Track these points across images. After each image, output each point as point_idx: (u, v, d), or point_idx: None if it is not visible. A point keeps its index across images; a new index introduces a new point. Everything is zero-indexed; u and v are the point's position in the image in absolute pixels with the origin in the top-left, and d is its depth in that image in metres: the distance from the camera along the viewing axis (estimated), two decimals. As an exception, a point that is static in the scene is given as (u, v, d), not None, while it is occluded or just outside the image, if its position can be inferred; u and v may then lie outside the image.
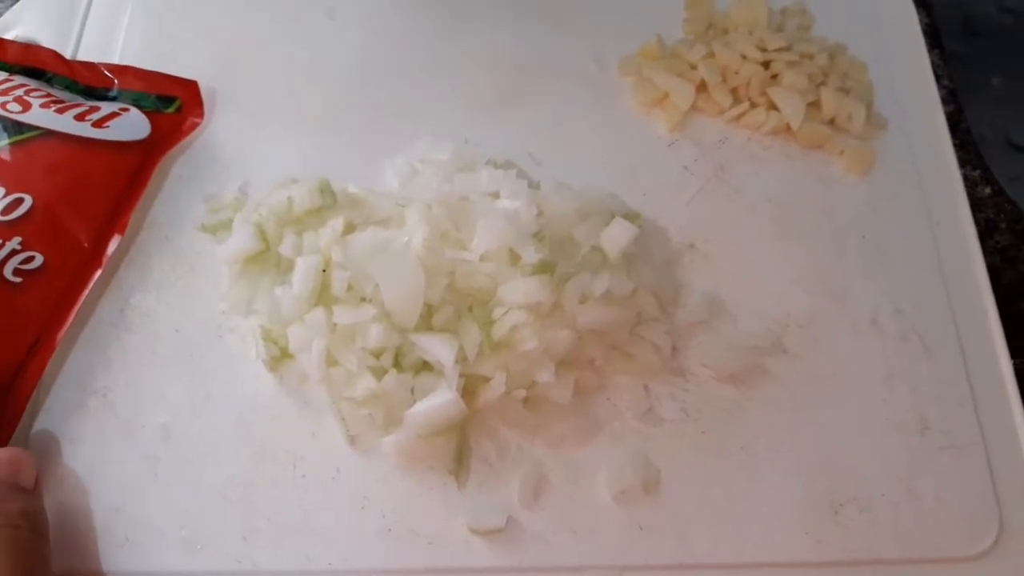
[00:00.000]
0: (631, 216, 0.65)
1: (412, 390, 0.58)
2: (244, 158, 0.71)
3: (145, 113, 0.69)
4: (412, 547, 0.56)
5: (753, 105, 0.73)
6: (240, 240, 0.63)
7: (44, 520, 0.54)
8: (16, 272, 0.60)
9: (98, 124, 0.66)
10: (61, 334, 0.61)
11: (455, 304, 0.59)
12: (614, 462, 0.59)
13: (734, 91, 0.73)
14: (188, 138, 0.71)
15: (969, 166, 0.76)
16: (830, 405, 0.62)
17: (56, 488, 0.58)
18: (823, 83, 0.73)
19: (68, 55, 0.73)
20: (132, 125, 0.68)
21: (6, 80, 0.68)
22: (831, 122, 0.73)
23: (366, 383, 0.57)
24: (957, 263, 0.67)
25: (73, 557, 0.56)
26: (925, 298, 0.66)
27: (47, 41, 0.74)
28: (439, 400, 0.56)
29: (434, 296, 0.58)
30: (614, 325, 0.60)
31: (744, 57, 0.73)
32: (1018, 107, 0.85)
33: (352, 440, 0.59)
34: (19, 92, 0.67)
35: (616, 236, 0.62)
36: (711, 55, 0.74)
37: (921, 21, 0.80)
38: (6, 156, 0.62)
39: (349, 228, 0.63)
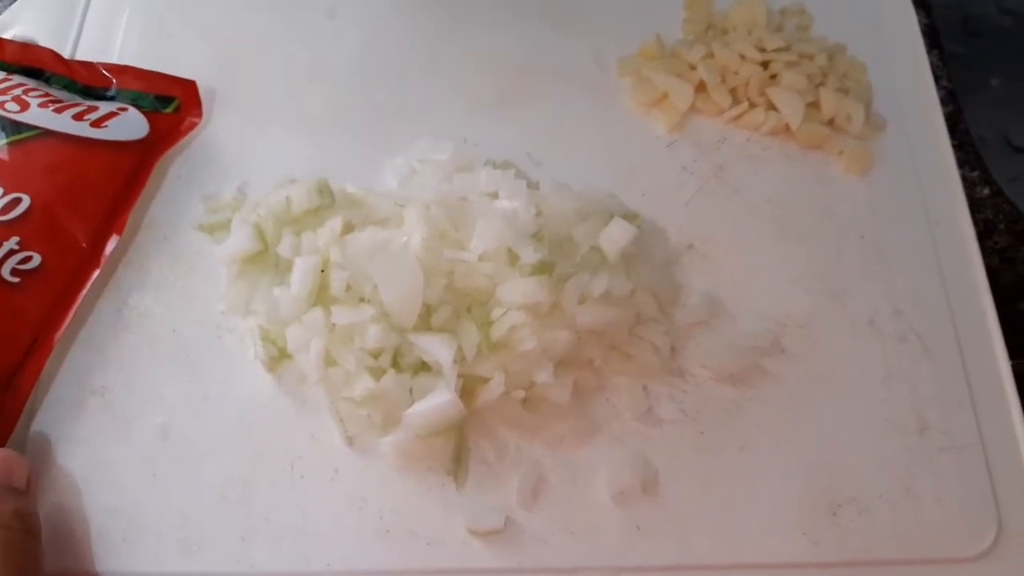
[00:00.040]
0: (630, 216, 0.65)
1: (410, 390, 0.58)
2: (242, 158, 0.70)
3: (143, 113, 0.69)
4: (410, 548, 0.56)
5: (752, 105, 0.73)
6: (238, 240, 0.63)
7: (37, 521, 0.54)
8: (14, 272, 0.60)
9: (96, 124, 0.66)
10: (59, 334, 0.61)
11: (454, 304, 0.59)
12: (613, 462, 0.59)
13: (733, 91, 0.73)
14: (186, 138, 0.71)
15: (968, 167, 0.76)
16: (829, 405, 0.62)
17: (53, 488, 0.58)
18: (822, 83, 0.73)
19: (66, 55, 0.73)
20: (130, 125, 0.68)
21: (4, 79, 0.68)
22: (830, 122, 0.73)
23: (364, 383, 0.57)
24: (956, 264, 0.67)
25: (70, 558, 0.56)
26: (924, 299, 0.66)
27: (45, 40, 0.74)
28: (437, 400, 0.56)
29: (433, 296, 0.58)
30: (613, 325, 0.60)
31: (743, 57, 0.73)
32: (1017, 108, 0.85)
33: (350, 440, 0.59)
34: (17, 91, 0.67)
35: (615, 236, 0.62)
36: (710, 55, 0.74)
37: (920, 22, 0.80)
38: (4, 156, 0.62)
39: (348, 228, 0.63)
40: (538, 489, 0.58)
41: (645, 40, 0.76)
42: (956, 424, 0.61)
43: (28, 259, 0.60)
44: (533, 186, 0.67)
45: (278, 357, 0.61)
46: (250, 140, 0.71)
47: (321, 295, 0.60)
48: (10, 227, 0.60)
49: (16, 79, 0.68)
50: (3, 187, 0.61)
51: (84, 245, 0.63)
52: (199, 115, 0.72)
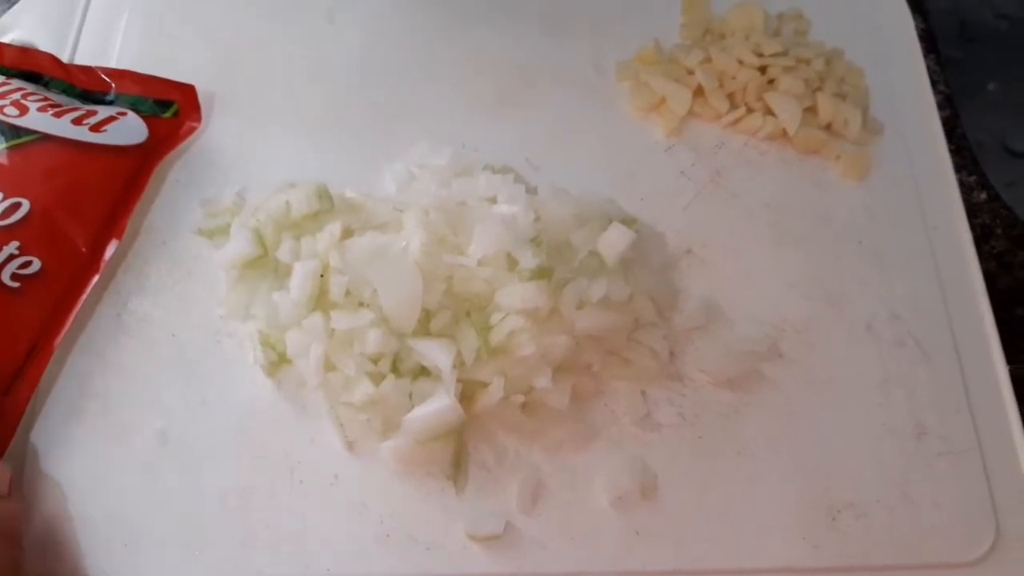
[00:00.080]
0: (628, 221, 0.65)
1: (410, 395, 0.58)
2: (242, 162, 0.71)
3: (142, 117, 0.69)
4: (410, 553, 0.56)
5: (750, 110, 0.73)
6: (238, 245, 0.63)
7: (16, 525, 0.54)
8: (14, 277, 0.60)
9: (95, 128, 0.66)
10: (59, 339, 0.61)
11: (453, 309, 0.59)
12: (612, 467, 0.59)
13: (731, 96, 0.74)
14: (185, 142, 0.71)
15: (965, 171, 0.76)
16: (827, 410, 0.62)
17: (53, 494, 0.58)
18: (819, 88, 0.73)
19: (65, 59, 0.73)
20: (129, 129, 0.68)
21: (3, 84, 0.68)
22: (827, 127, 0.73)
23: (364, 388, 0.58)
24: (953, 268, 0.68)
25: (71, 563, 0.56)
26: (922, 303, 0.66)
27: (44, 45, 0.74)
28: (437, 405, 0.56)
29: (432, 301, 0.58)
30: (611, 330, 0.61)
31: (741, 62, 0.74)
32: (1014, 112, 0.85)
33: (350, 446, 0.59)
34: (16, 96, 0.67)
35: (613, 241, 0.62)
36: (708, 60, 0.74)
37: (917, 26, 0.80)
38: (3, 160, 0.62)
39: (347, 233, 0.63)
40: (537, 494, 0.58)
41: (643, 45, 0.76)
42: (954, 429, 0.62)
43: (28, 264, 0.60)
44: (532, 191, 0.68)
45: (277, 362, 0.61)
46: (249, 144, 0.71)
47: (320, 300, 0.60)
48: (10, 232, 0.60)
49: (15, 83, 0.68)
50: (2, 192, 0.61)
51: (83, 250, 0.63)
52: (198, 119, 0.72)
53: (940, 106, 0.76)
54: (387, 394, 0.57)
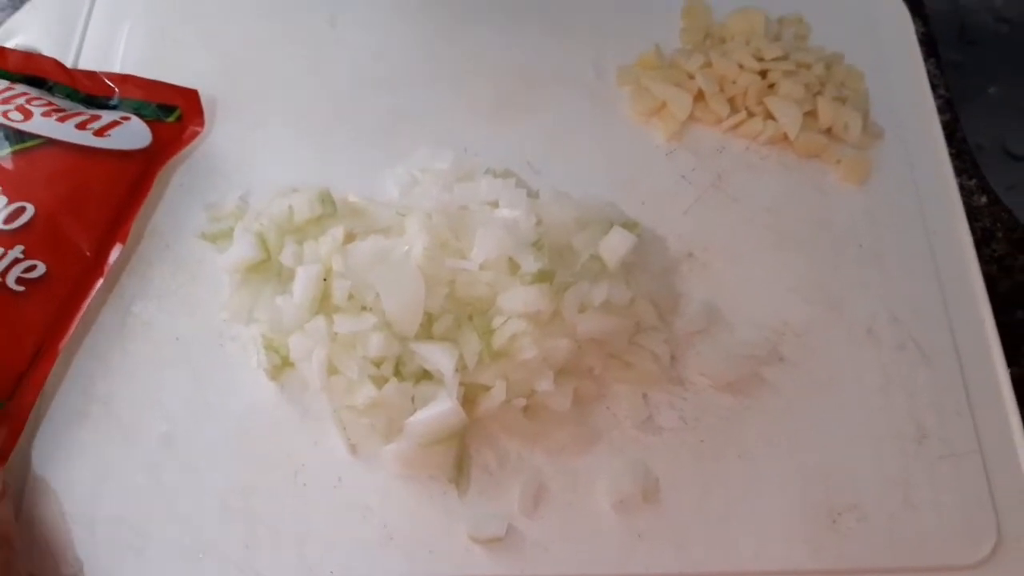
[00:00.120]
0: (629, 225, 0.65)
1: (412, 399, 0.58)
2: (244, 167, 0.71)
3: (146, 122, 0.69)
4: (413, 555, 0.57)
5: (750, 114, 0.73)
6: (241, 249, 0.64)
7: (8, 528, 0.55)
8: (19, 281, 0.60)
9: (99, 133, 0.67)
10: (63, 342, 0.61)
11: (455, 313, 0.60)
12: (613, 470, 0.59)
13: (731, 101, 0.74)
14: (189, 147, 0.71)
15: (965, 175, 0.76)
16: (828, 413, 0.62)
17: (58, 496, 0.58)
18: (820, 92, 0.74)
19: (69, 64, 0.74)
20: (133, 134, 0.68)
21: (7, 89, 0.68)
22: (828, 131, 0.73)
23: (367, 392, 0.58)
24: (954, 272, 0.68)
25: (75, 566, 0.56)
26: (922, 307, 0.66)
27: (48, 50, 0.74)
28: (439, 409, 0.57)
29: (434, 305, 0.59)
30: (613, 334, 0.61)
31: (741, 67, 0.74)
32: (1015, 115, 0.86)
33: (353, 449, 0.59)
34: (21, 101, 0.67)
35: (615, 245, 0.62)
36: (708, 65, 0.75)
37: (917, 30, 0.81)
38: (8, 165, 0.63)
39: (349, 237, 0.63)
40: (539, 497, 0.58)
41: (644, 50, 0.76)
42: (955, 432, 0.62)
43: (32, 268, 0.61)
44: (533, 195, 0.68)
45: (281, 365, 0.61)
46: (252, 148, 0.72)
47: (323, 304, 0.61)
48: (15, 236, 0.61)
49: (19, 88, 0.68)
50: (7, 196, 0.62)
51: (88, 254, 0.63)
52: (201, 124, 0.72)
53: (940, 110, 0.77)
54: (390, 397, 0.58)
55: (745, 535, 0.58)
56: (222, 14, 0.79)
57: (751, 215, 0.70)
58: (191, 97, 0.72)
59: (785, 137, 0.72)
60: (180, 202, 0.69)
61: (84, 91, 0.71)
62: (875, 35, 0.80)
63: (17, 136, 0.64)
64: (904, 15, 0.81)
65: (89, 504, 0.58)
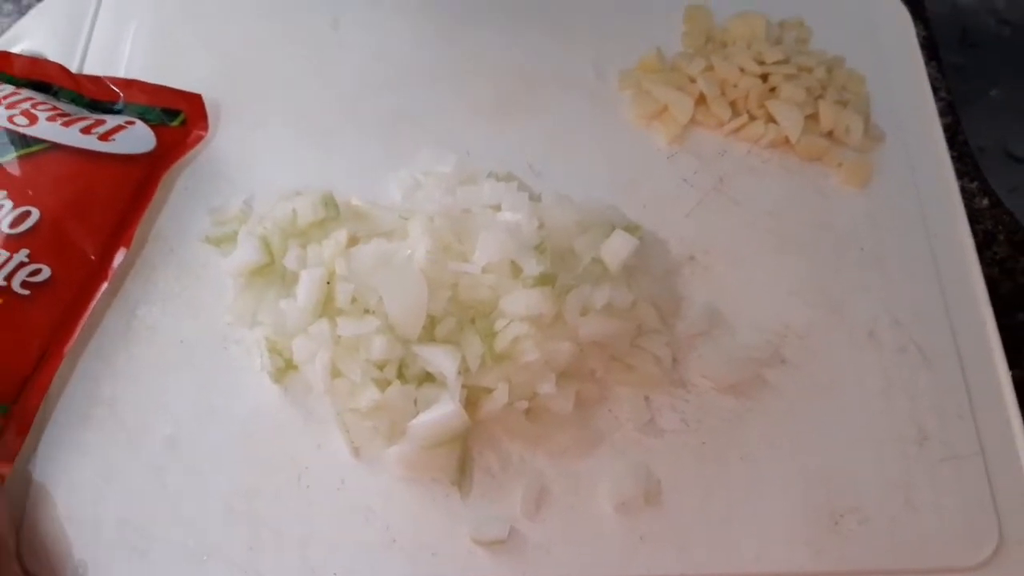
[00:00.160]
0: (631, 228, 0.65)
1: (415, 401, 0.58)
2: (248, 170, 0.71)
3: (150, 126, 0.70)
4: (416, 557, 0.57)
5: (752, 118, 0.74)
6: (245, 253, 0.64)
7: (1, 530, 0.55)
8: (24, 284, 0.60)
9: (104, 137, 0.67)
10: (68, 346, 0.62)
11: (457, 316, 0.60)
12: (615, 473, 0.59)
13: (733, 104, 0.74)
14: (193, 151, 0.72)
15: (967, 178, 0.76)
16: (829, 416, 0.62)
17: (62, 498, 0.58)
18: (821, 96, 0.74)
19: (74, 68, 0.74)
20: (137, 138, 0.69)
21: (13, 93, 0.68)
22: (829, 134, 0.73)
23: (370, 394, 0.58)
24: (955, 274, 0.68)
25: (79, 568, 0.56)
26: (923, 309, 0.66)
27: (53, 55, 0.75)
28: (442, 411, 0.57)
29: (437, 308, 0.59)
30: (615, 337, 0.61)
31: (742, 70, 0.74)
32: (1017, 118, 0.86)
33: (356, 451, 0.60)
34: (26, 106, 0.67)
35: (616, 248, 0.62)
36: (710, 68, 0.75)
37: (919, 34, 0.81)
38: (14, 170, 0.63)
39: (353, 241, 0.64)
40: (541, 499, 0.59)
41: (645, 53, 0.77)
42: (956, 434, 0.62)
43: (38, 272, 0.61)
44: (535, 198, 0.68)
45: (284, 368, 0.61)
46: (256, 152, 0.72)
47: (327, 307, 0.61)
48: (20, 240, 0.61)
49: (25, 93, 0.69)
50: (12, 200, 0.62)
51: (92, 258, 0.64)
52: (205, 128, 0.73)
53: (942, 113, 0.77)
54: (392, 400, 0.58)
55: (747, 537, 0.58)
56: (225, 19, 0.79)
57: (753, 218, 0.70)
58: (195, 101, 0.73)
59: (786, 140, 0.73)
60: (184, 206, 0.69)
61: (89, 96, 0.72)
62: (876, 38, 0.80)
63: (22, 141, 0.64)
64: (905, 18, 0.81)
65: (93, 506, 0.58)
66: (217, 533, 0.57)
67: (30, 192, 0.63)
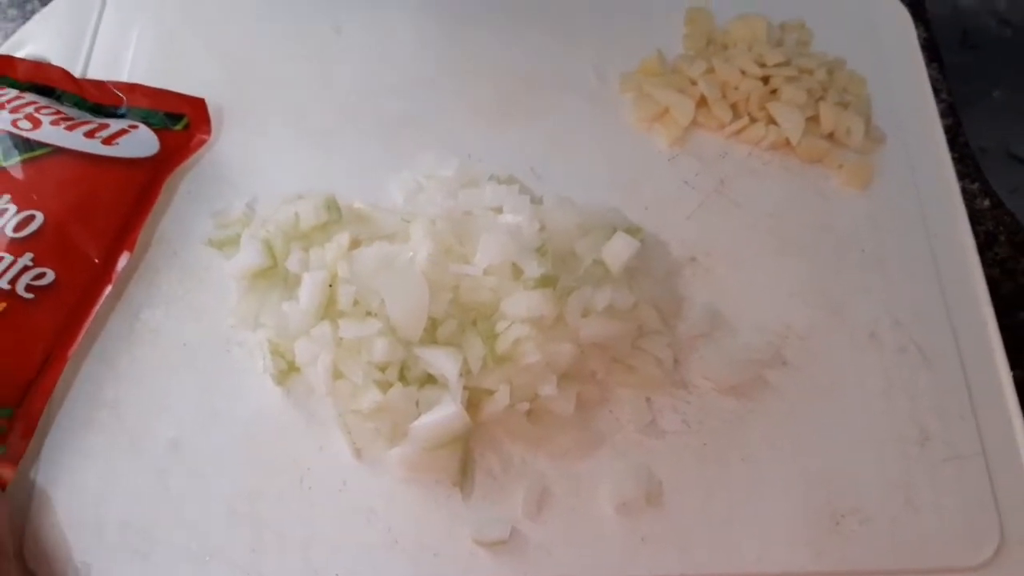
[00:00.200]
0: (632, 230, 0.66)
1: (417, 403, 0.58)
2: (251, 174, 0.71)
3: (154, 130, 0.70)
4: (418, 559, 0.57)
5: (753, 120, 0.74)
6: (248, 256, 0.64)
7: (1, 534, 0.55)
8: (28, 288, 0.61)
9: (107, 141, 0.67)
10: (72, 349, 0.62)
11: (459, 318, 0.60)
12: (616, 474, 0.59)
13: (734, 106, 0.74)
14: (196, 155, 0.72)
15: (968, 179, 0.76)
16: (830, 416, 0.62)
17: (66, 501, 0.58)
18: (822, 98, 0.74)
19: (78, 73, 0.74)
20: (141, 142, 0.69)
21: (17, 98, 0.69)
22: (830, 136, 0.73)
23: (372, 396, 0.58)
24: (956, 275, 0.68)
25: (82, 570, 0.56)
26: (924, 310, 0.67)
27: (57, 59, 0.75)
28: (443, 413, 0.57)
29: (438, 310, 0.59)
30: (616, 338, 0.61)
31: (744, 72, 0.74)
32: (1018, 119, 0.86)
33: (358, 453, 0.60)
34: (30, 110, 0.67)
35: (618, 250, 0.63)
36: (711, 71, 0.75)
37: (920, 36, 0.81)
38: (18, 174, 0.63)
39: (355, 243, 0.64)
40: (543, 500, 0.59)
41: (646, 56, 0.77)
42: (958, 434, 0.62)
43: (42, 275, 0.61)
44: (537, 201, 0.68)
45: (287, 370, 0.62)
46: (258, 156, 0.72)
47: (329, 309, 0.61)
48: (24, 244, 0.61)
49: (28, 97, 0.69)
50: (16, 204, 0.62)
51: (96, 261, 0.64)
52: (208, 132, 0.73)
53: (943, 114, 0.77)
54: (394, 402, 0.58)
55: (748, 538, 0.58)
56: (228, 24, 0.80)
57: (754, 220, 0.70)
58: (198, 105, 0.73)
59: (787, 142, 0.73)
60: (187, 209, 0.70)
61: (92, 100, 0.72)
62: (877, 40, 0.80)
63: (26, 145, 0.65)
64: (906, 20, 0.82)
65: (96, 509, 0.58)
66: (219, 535, 0.58)
67: (34, 196, 0.63)
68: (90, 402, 0.62)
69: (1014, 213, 0.76)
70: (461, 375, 0.58)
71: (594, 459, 0.60)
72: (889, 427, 0.62)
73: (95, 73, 0.75)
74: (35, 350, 0.61)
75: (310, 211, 0.65)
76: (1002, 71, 0.89)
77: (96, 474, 0.59)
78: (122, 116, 0.71)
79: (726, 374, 0.63)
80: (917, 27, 0.81)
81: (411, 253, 0.61)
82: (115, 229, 0.65)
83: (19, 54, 0.75)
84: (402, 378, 0.59)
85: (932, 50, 0.83)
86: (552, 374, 0.59)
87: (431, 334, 0.60)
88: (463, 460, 0.59)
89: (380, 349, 0.58)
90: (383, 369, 0.59)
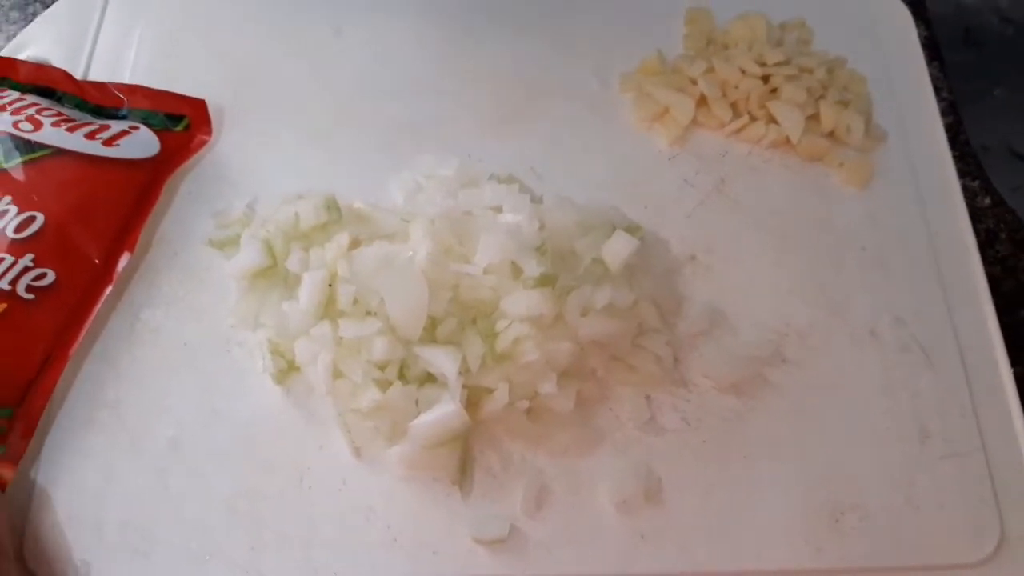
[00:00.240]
0: (632, 229, 0.66)
1: (416, 402, 0.58)
2: (251, 175, 0.72)
3: (154, 131, 0.70)
4: (417, 557, 0.57)
5: (753, 119, 0.74)
6: (248, 256, 0.64)
7: (1, 534, 0.55)
8: (29, 289, 0.61)
9: (108, 142, 0.68)
10: (73, 349, 0.62)
11: (459, 317, 0.60)
12: (616, 472, 0.59)
13: (734, 105, 0.74)
14: (196, 156, 0.72)
15: (969, 176, 0.76)
16: (831, 414, 0.62)
17: (66, 501, 0.59)
18: (822, 96, 0.74)
19: (79, 75, 0.74)
20: (141, 143, 0.69)
21: (18, 99, 0.69)
22: (830, 135, 0.73)
23: (371, 395, 0.58)
24: (957, 273, 0.68)
25: (82, 570, 0.56)
26: (925, 308, 0.66)
27: (59, 61, 0.75)
28: (443, 411, 0.57)
29: (438, 309, 0.59)
30: (616, 336, 0.61)
31: (744, 72, 0.74)
32: (1020, 117, 0.85)
33: (358, 452, 0.60)
34: (31, 111, 0.68)
35: (617, 248, 0.63)
36: (711, 70, 0.75)
37: (920, 34, 0.81)
38: (19, 175, 0.64)
39: (355, 243, 0.64)
40: (542, 498, 0.59)
41: (646, 56, 0.77)
42: (958, 431, 0.62)
43: (43, 276, 0.61)
44: (536, 200, 0.68)
45: (287, 370, 0.62)
46: (259, 156, 0.72)
47: (329, 309, 0.61)
48: (25, 244, 0.61)
49: (30, 99, 0.69)
50: (17, 205, 0.62)
51: (97, 262, 0.64)
52: (208, 133, 0.73)
53: (944, 112, 0.77)
54: (394, 400, 0.58)
55: (748, 535, 0.58)
56: (229, 25, 0.80)
57: (754, 218, 0.70)
58: (199, 107, 0.73)
59: (788, 141, 0.73)
60: (188, 210, 0.70)
61: (93, 102, 0.72)
62: (877, 39, 0.80)
63: (27, 146, 0.65)
64: (906, 18, 0.82)
65: (96, 508, 0.58)
66: (219, 534, 0.58)
67: (35, 197, 0.63)
68: (90, 402, 0.62)
69: (1015, 211, 0.75)
70: (460, 373, 0.58)
71: (594, 457, 0.60)
72: (889, 424, 0.62)
73: (97, 75, 0.75)
74: (35, 350, 0.61)
75: (310, 211, 0.65)
76: (1003, 69, 0.89)
77: (96, 473, 0.60)
78: (123, 117, 0.72)
79: (726, 372, 0.63)
80: (918, 25, 0.81)
81: (411, 252, 0.61)
82: (116, 230, 0.66)
83: (21, 56, 0.75)
84: (402, 377, 0.59)
85: (933, 48, 0.83)
86: (552, 372, 0.59)
87: (431, 333, 0.60)
88: (462, 458, 0.59)
89: (380, 348, 0.58)
90: (383, 368, 0.59)
